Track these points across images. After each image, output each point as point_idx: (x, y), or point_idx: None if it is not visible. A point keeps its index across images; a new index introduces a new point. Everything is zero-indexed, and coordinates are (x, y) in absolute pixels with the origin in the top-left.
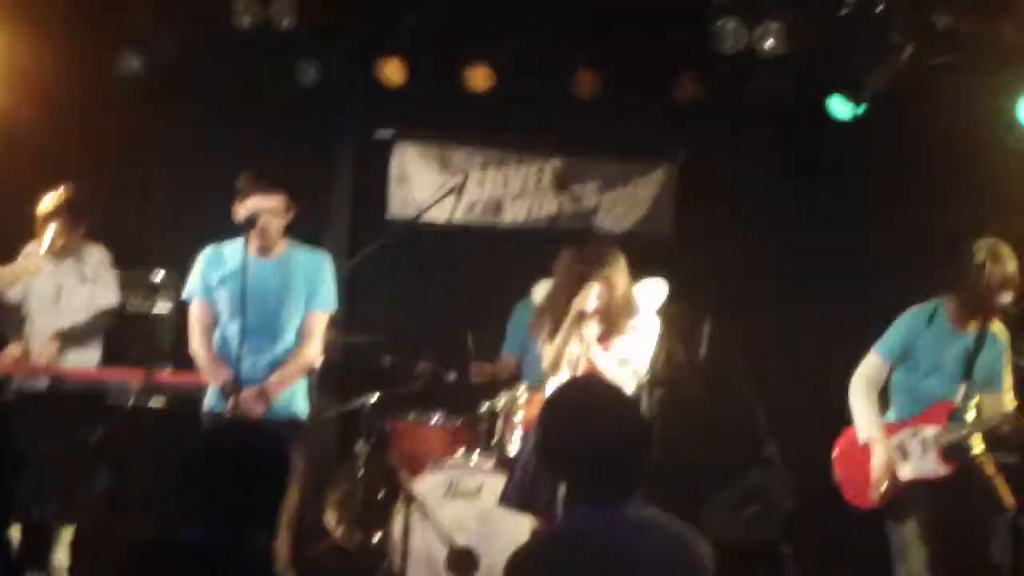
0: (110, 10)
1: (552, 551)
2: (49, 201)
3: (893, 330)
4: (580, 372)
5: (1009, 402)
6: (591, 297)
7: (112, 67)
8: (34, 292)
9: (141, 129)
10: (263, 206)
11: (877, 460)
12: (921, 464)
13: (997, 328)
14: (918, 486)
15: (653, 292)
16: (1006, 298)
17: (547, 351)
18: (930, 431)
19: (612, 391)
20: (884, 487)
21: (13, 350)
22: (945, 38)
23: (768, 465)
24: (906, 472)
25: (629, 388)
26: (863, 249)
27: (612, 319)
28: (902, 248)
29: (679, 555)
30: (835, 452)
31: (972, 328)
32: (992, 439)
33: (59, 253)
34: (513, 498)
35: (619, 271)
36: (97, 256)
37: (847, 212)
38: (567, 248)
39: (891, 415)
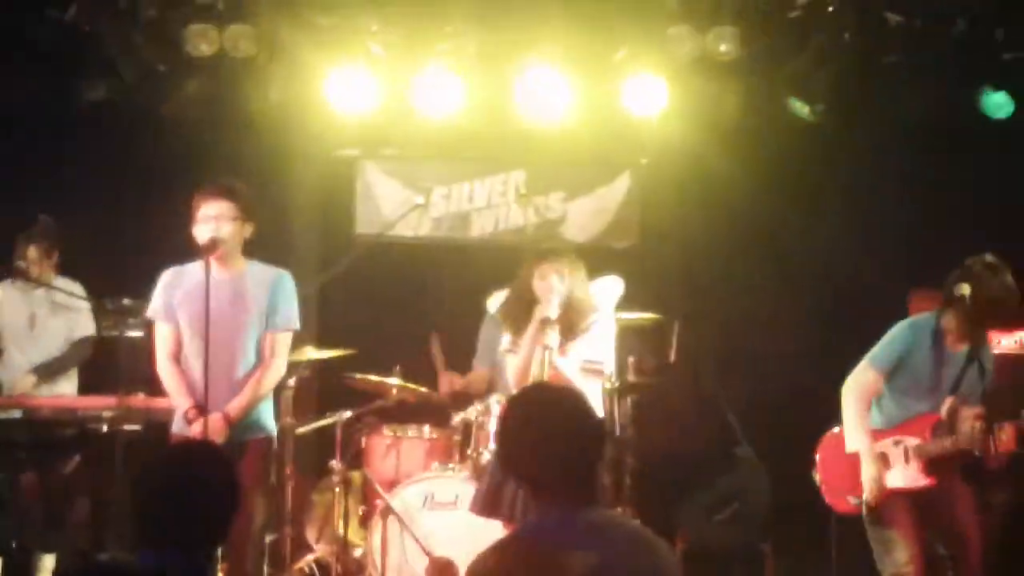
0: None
1: (509, 557)
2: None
3: (890, 345)
4: (546, 379)
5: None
6: (553, 305)
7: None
8: (6, 323)
9: (105, 157)
10: (212, 212)
11: (867, 474)
12: (904, 474)
13: (985, 348)
14: (900, 494)
15: (609, 289)
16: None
17: (511, 361)
18: (912, 442)
19: (566, 396)
20: (870, 498)
21: None
22: (896, 36)
23: (742, 466)
24: (889, 481)
25: (596, 390)
26: (828, 249)
27: (572, 323)
28: (867, 248)
29: (646, 560)
30: (818, 455)
31: (964, 346)
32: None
33: (32, 283)
34: (480, 505)
35: (578, 277)
36: (68, 287)
37: (809, 212)
38: (527, 259)
39: (875, 421)
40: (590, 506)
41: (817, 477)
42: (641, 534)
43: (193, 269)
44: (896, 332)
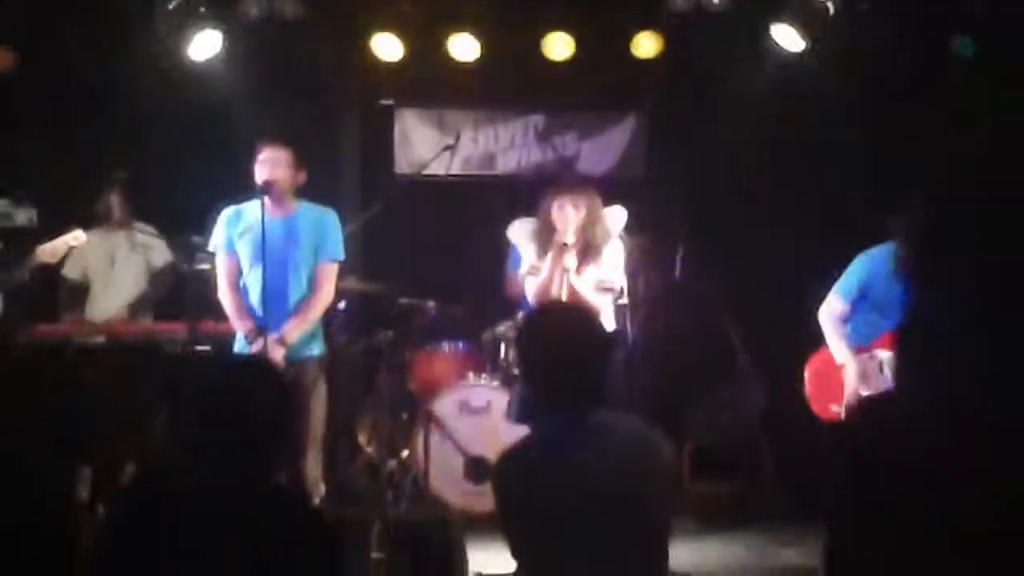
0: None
1: (528, 454)
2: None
3: (849, 275)
4: (564, 298)
5: None
6: (570, 232)
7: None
8: (91, 266)
9: (173, 113)
10: (272, 158)
11: (850, 378)
12: (878, 384)
13: None
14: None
15: (615, 218)
16: None
17: (531, 281)
18: (885, 354)
19: (577, 312)
20: (847, 404)
21: (77, 320)
22: None
23: (741, 374)
24: (866, 390)
25: (608, 308)
26: (815, 178)
27: (589, 248)
28: (848, 178)
29: (644, 454)
30: (808, 370)
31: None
32: None
33: (113, 228)
34: (513, 413)
35: (595, 207)
36: (145, 229)
37: (797, 145)
38: (550, 189)
39: (854, 340)
40: (597, 408)
41: (806, 390)
42: (642, 432)
43: (250, 207)
44: (854, 264)
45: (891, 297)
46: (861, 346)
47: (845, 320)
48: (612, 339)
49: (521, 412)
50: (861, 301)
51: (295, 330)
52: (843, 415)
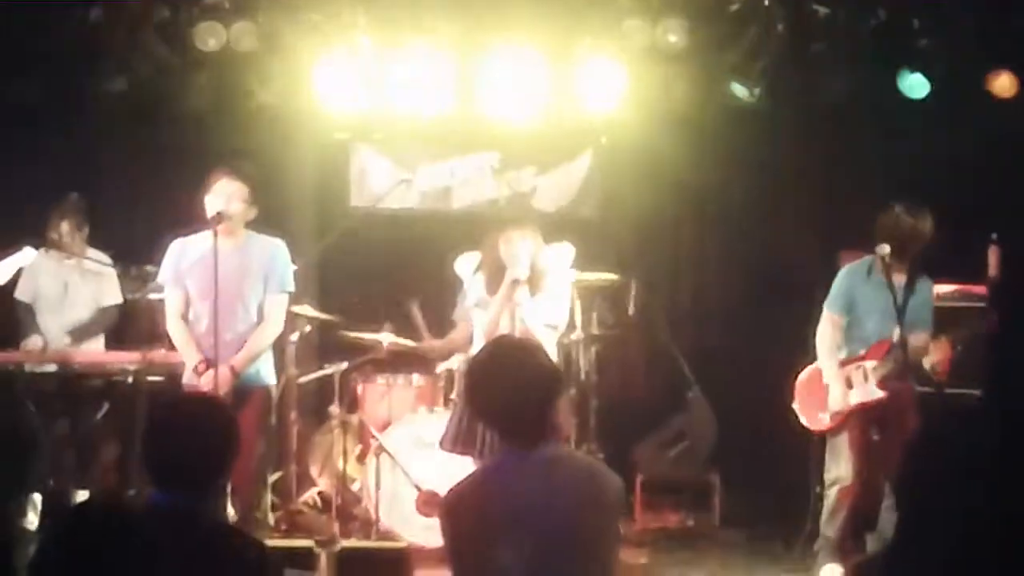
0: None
1: (476, 490)
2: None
3: (836, 288)
4: (516, 333)
5: (941, 345)
6: (523, 267)
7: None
8: (42, 291)
9: (126, 142)
10: (225, 189)
11: (834, 393)
12: (863, 391)
13: (923, 277)
14: (859, 412)
15: (562, 254)
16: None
17: (481, 316)
18: (870, 364)
19: (526, 348)
20: (835, 414)
21: (33, 342)
22: (823, 25)
23: (692, 407)
24: (852, 399)
25: (551, 343)
26: (765, 216)
27: (535, 283)
28: (798, 214)
29: (588, 487)
30: (799, 382)
31: (900, 278)
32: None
33: (65, 254)
34: (446, 443)
35: (539, 243)
36: (98, 257)
37: (749, 184)
38: (494, 227)
39: (842, 354)
40: (544, 444)
41: (796, 405)
42: (589, 466)
43: (199, 239)
44: (838, 278)
45: (871, 304)
46: (851, 358)
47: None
48: (560, 375)
49: (453, 440)
50: (851, 313)
51: (244, 361)
52: (828, 422)
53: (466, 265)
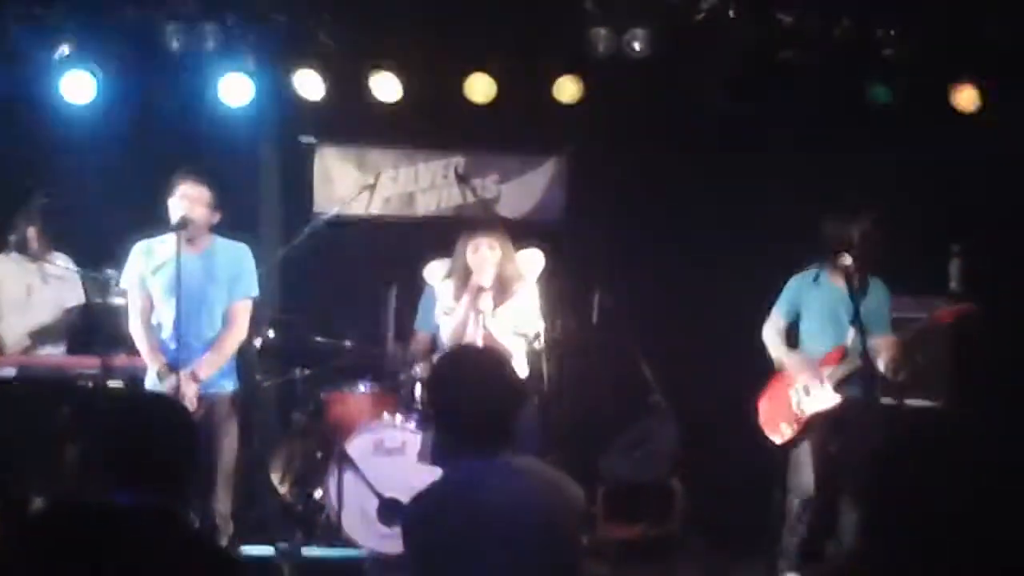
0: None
1: (439, 499)
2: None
3: (784, 293)
4: (479, 341)
5: (892, 342)
6: (486, 274)
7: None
8: (4, 294)
9: (91, 145)
10: (189, 193)
11: (800, 369)
12: (820, 398)
13: (875, 281)
14: (817, 421)
15: (532, 260)
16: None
17: (447, 322)
18: (827, 371)
19: (487, 357)
20: (793, 422)
21: None
22: (788, 35)
23: (654, 413)
24: (809, 407)
25: (521, 351)
26: (728, 224)
27: (504, 290)
28: (763, 221)
29: (551, 496)
30: (761, 401)
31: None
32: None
33: (29, 257)
34: (427, 454)
35: (506, 250)
36: (61, 260)
37: (710, 192)
38: (462, 234)
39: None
40: (506, 452)
41: (760, 420)
42: (551, 475)
43: (163, 243)
44: (788, 283)
45: (829, 312)
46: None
47: (787, 336)
48: (523, 384)
49: (433, 454)
50: (800, 320)
51: (208, 366)
52: (792, 431)
53: (435, 272)
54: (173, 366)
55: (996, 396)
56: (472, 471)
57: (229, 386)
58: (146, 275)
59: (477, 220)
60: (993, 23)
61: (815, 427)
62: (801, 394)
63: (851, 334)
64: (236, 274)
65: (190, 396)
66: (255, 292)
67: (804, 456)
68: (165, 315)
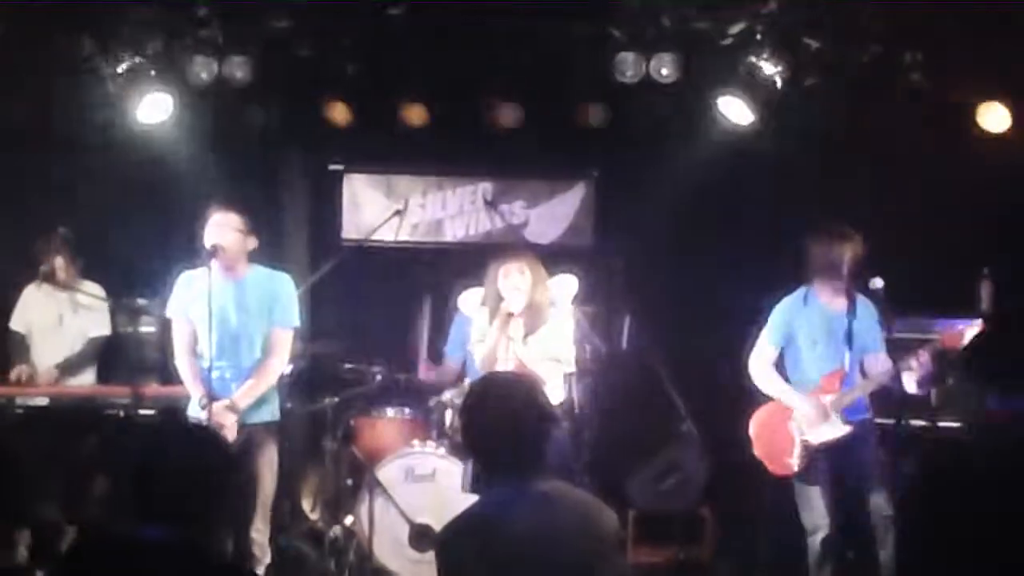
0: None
1: (473, 525)
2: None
3: (772, 319)
4: (510, 367)
5: (886, 360)
6: (516, 300)
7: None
8: (35, 323)
9: (123, 174)
10: (221, 222)
11: (805, 413)
12: (827, 428)
13: (862, 299)
14: (824, 450)
15: (565, 286)
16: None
17: (479, 349)
18: (828, 398)
19: (519, 383)
20: (800, 453)
21: (22, 371)
22: (815, 61)
23: (684, 441)
24: (816, 437)
25: (556, 377)
26: (755, 247)
27: (534, 316)
28: (785, 244)
29: (585, 521)
30: (752, 432)
31: (840, 303)
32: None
33: (58, 287)
34: (467, 483)
35: (538, 275)
36: (90, 290)
37: (739, 216)
38: (493, 260)
39: (800, 389)
40: (538, 478)
41: (756, 451)
42: (585, 500)
43: (203, 273)
44: (776, 308)
45: (820, 335)
46: (804, 395)
47: (777, 366)
48: (554, 411)
49: (474, 483)
50: (791, 346)
51: (247, 395)
52: (799, 464)
53: (469, 301)
54: (212, 395)
55: None
56: (505, 497)
57: (268, 416)
58: (188, 305)
59: (507, 245)
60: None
61: (822, 458)
62: (804, 426)
63: (847, 356)
64: (275, 302)
65: (228, 425)
66: (296, 322)
67: (812, 492)
68: (205, 344)
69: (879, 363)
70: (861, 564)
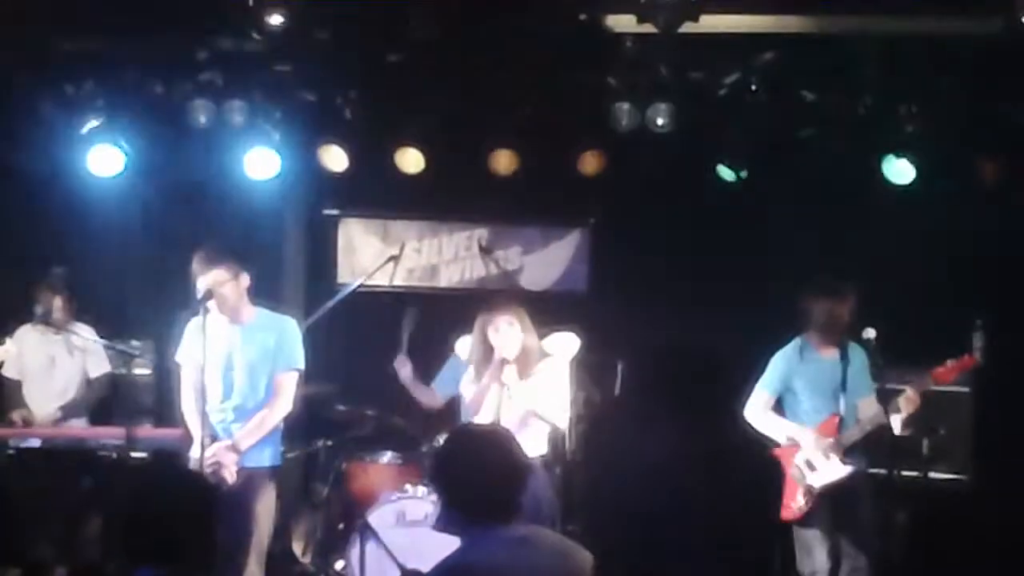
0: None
1: (459, 567)
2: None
3: (770, 369)
4: (502, 413)
5: (877, 404)
6: (510, 348)
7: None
8: (28, 365)
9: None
10: (210, 280)
11: (806, 440)
12: (828, 470)
13: (853, 345)
14: (824, 494)
15: (566, 344)
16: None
17: (469, 393)
18: (827, 441)
19: (492, 437)
20: (804, 497)
21: (18, 416)
22: (809, 112)
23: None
24: (818, 480)
25: (542, 431)
26: (751, 296)
27: (527, 362)
28: (784, 295)
29: (562, 560)
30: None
31: (833, 351)
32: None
33: (52, 329)
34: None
35: (526, 323)
36: (85, 331)
37: (734, 265)
38: (481, 313)
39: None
40: (512, 523)
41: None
42: (559, 542)
43: (209, 321)
44: (772, 361)
45: (816, 383)
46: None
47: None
48: (528, 463)
49: (438, 522)
50: (788, 394)
51: (248, 437)
52: (802, 505)
53: (467, 348)
54: (213, 437)
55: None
56: (483, 542)
57: (268, 460)
58: (194, 350)
59: (495, 298)
60: (1014, 100)
61: (823, 501)
62: (805, 469)
63: (843, 402)
64: (280, 346)
65: (228, 465)
66: (300, 364)
67: (811, 537)
68: (211, 389)
69: (871, 407)
70: None
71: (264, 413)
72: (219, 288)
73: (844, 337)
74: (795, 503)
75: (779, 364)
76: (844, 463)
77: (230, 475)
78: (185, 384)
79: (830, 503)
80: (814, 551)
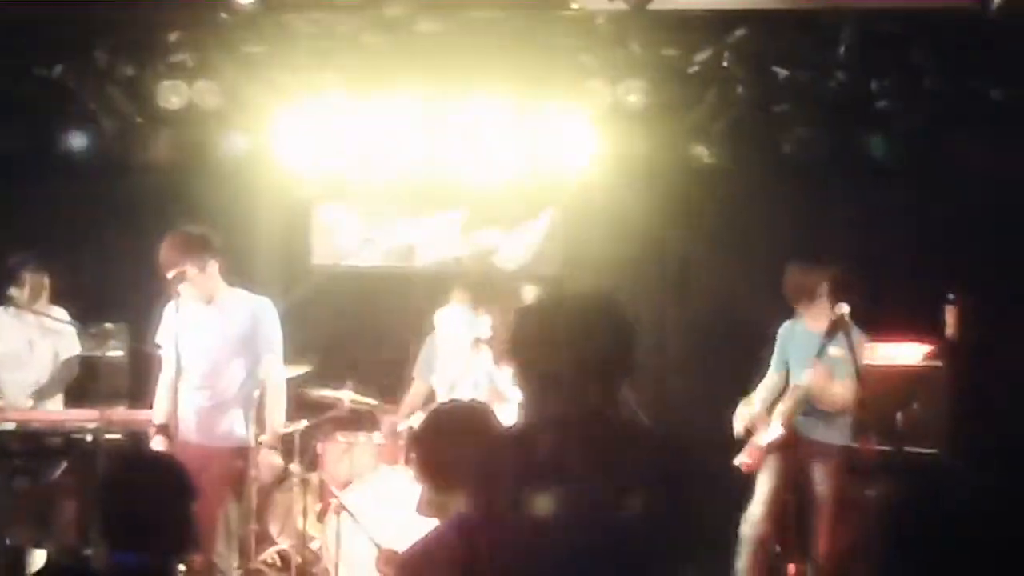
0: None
1: (434, 549)
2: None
3: (776, 346)
4: (480, 391)
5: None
6: (485, 327)
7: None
8: (3, 348)
9: (89, 198)
10: (177, 271)
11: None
12: (769, 431)
13: (843, 325)
14: (770, 454)
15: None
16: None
17: (449, 369)
18: (782, 407)
19: (468, 413)
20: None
21: None
22: (783, 87)
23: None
24: (760, 440)
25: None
26: (724, 273)
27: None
28: (757, 271)
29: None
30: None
31: (819, 325)
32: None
33: (25, 311)
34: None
35: (510, 303)
36: (57, 313)
37: (707, 242)
38: (464, 287)
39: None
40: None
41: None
42: None
43: (184, 303)
44: (777, 335)
45: (798, 356)
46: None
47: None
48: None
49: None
50: (790, 369)
51: (273, 435)
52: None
53: (446, 319)
54: (188, 419)
55: (992, 445)
56: (462, 522)
57: (237, 439)
58: (173, 334)
59: (478, 276)
60: (988, 76)
61: (770, 459)
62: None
63: (808, 372)
64: (255, 329)
65: (275, 464)
66: (279, 346)
67: (760, 484)
68: (190, 372)
69: (809, 376)
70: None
71: (269, 406)
72: (189, 278)
73: (842, 317)
74: (740, 457)
75: (779, 339)
76: (783, 427)
77: (268, 471)
78: (165, 369)
79: (776, 461)
80: (753, 504)
